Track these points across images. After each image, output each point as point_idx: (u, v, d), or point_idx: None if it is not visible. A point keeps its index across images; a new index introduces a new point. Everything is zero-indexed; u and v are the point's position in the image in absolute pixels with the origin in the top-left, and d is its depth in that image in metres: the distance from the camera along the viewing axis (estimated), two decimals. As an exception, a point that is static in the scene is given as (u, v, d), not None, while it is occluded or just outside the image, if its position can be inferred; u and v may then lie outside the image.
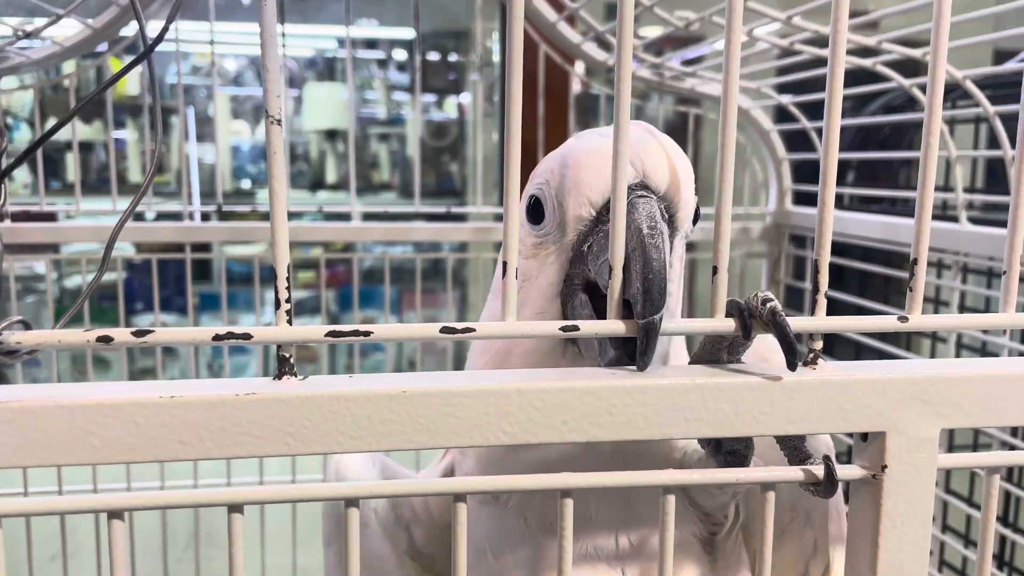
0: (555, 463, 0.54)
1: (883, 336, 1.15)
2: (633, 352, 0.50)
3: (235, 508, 0.39)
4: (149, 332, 0.38)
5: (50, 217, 1.43)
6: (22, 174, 3.61)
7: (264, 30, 0.37)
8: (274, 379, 0.40)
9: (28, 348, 0.37)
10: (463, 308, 3.34)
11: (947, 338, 1.10)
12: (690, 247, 0.71)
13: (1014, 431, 1.12)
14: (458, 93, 4.23)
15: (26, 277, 2.93)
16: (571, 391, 0.40)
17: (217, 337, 0.38)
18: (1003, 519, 1.23)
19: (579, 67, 1.42)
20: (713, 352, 0.46)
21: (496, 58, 2.92)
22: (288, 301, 0.39)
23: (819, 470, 0.43)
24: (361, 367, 3.00)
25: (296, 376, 0.40)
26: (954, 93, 1.21)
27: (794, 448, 0.49)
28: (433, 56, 4.08)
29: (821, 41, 1.01)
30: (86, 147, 3.74)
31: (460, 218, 1.49)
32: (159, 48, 1.19)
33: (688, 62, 1.36)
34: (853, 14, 0.96)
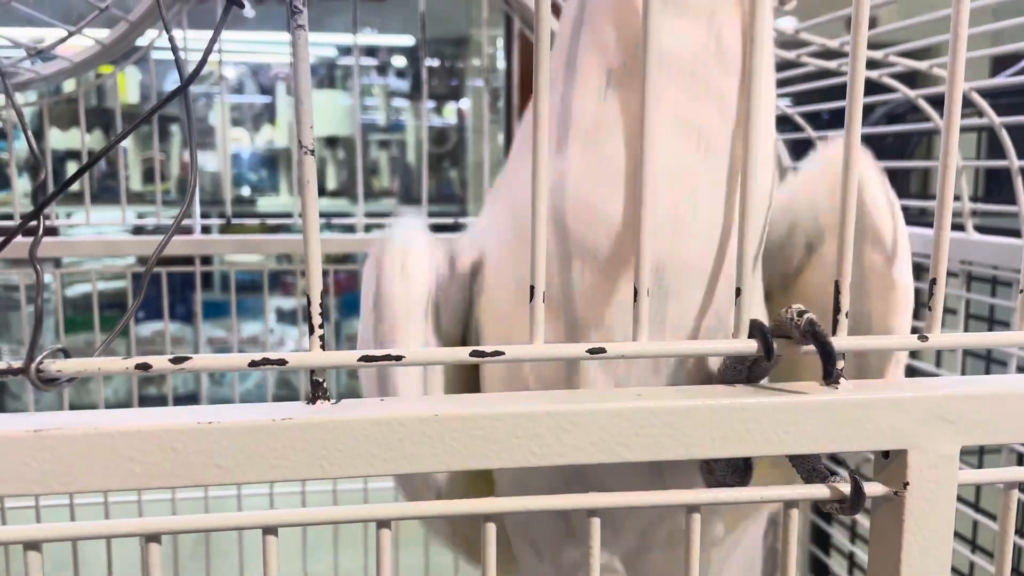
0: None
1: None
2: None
3: (270, 531, 0.40)
4: (187, 359, 0.38)
5: (51, 230, 1.43)
6: (23, 183, 3.61)
7: (297, 61, 0.38)
8: (308, 403, 0.40)
9: (68, 376, 0.38)
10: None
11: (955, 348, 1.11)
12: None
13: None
14: (458, 99, 4.25)
15: (27, 287, 2.93)
16: (599, 413, 0.41)
17: (253, 363, 0.39)
18: (1019, 531, 1.24)
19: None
20: (736, 372, 0.47)
21: (500, 64, 2.93)
22: (321, 327, 0.40)
23: (845, 487, 0.44)
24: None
25: (329, 400, 0.41)
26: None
27: (812, 470, 0.49)
28: (433, 62, 4.09)
29: (825, 53, 1.02)
30: (74, 154, 3.74)
31: (456, 228, 1.49)
32: (158, 56, 1.19)
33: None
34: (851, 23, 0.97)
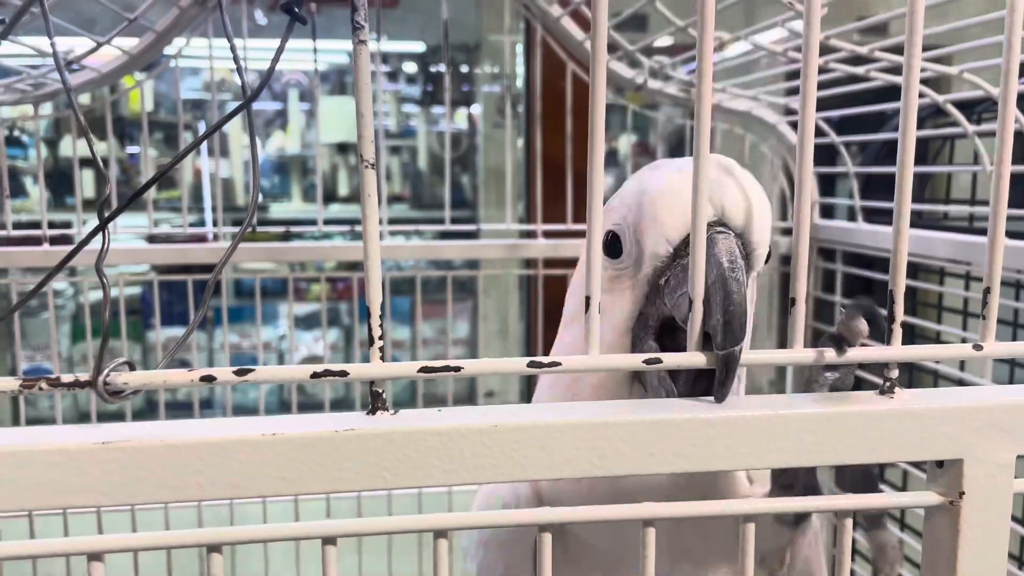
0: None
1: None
2: (702, 390, 0.52)
3: (329, 541, 0.40)
4: (250, 371, 0.39)
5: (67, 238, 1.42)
6: (34, 192, 3.63)
7: (358, 77, 0.39)
8: (367, 414, 0.41)
9: (134, 388, 0.38)
10: (474, 318, 3.35)
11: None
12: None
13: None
14: (469, 105, 4.26)
15: (42, 294, 2.95)
16: (657, 424, 0.41)
17: (315, 375, 0.39)
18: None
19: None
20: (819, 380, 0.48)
21: (519, 70, 2.93)
22: (381, 339, 0.40)
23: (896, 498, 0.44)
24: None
25: (388, 411, 0.41)
26: (980, 107, 1.22)
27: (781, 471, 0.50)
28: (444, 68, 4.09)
29: (850, 59, 1.02)
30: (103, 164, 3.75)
31: (473, 235, 1.50)
32: (173, 64, 1.19)
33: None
34: (875, 28, 0.97)
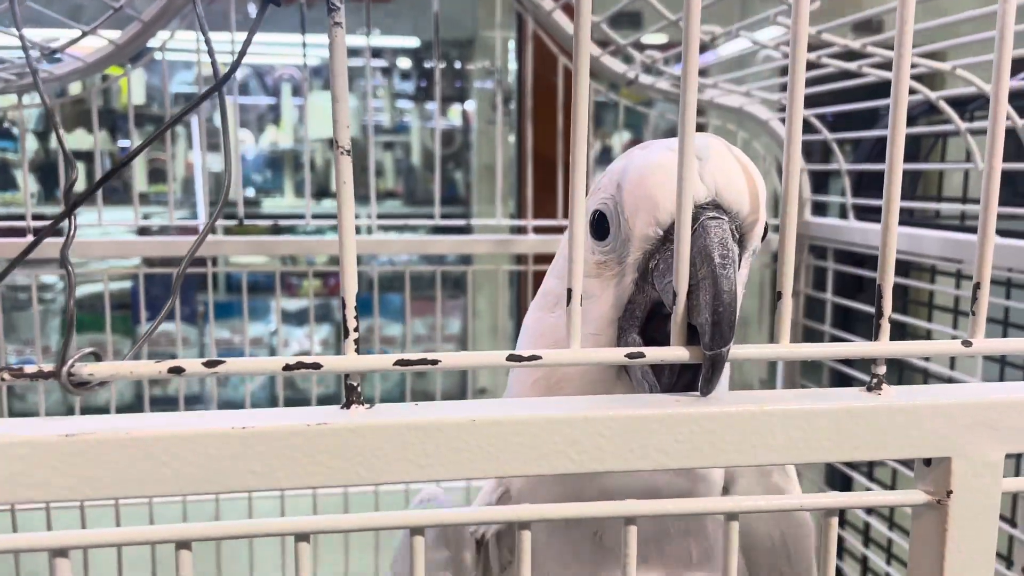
0: (616, 482, 0.54)
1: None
2: (687, 381, 0.51)
3: (302, 537, 0.39)
4: (221, 363, 0.38)
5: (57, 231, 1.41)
6: (30, 183, 3.61)
7: (333, 60, 0.37)
8: (342, 408, 0.40)
9: (100, 380, 0.37)
10: (465, 315, 3.34)
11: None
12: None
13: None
14: (463, 101, 4.24)
15: (29, 287, 2.94)
16: (638, 419, 0.40)
17: (287, 367, 0.38)
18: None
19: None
20: None
21: (512, 65, 2.92)
22: (356, 331, 0.39)
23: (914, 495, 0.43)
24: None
25: (363, 405, 0.40)
26: (972, 104, 1.21)
27: None
28: (439, 64, 4.08)
29: (843, 55, 1.01)
30: (90, 156, 3.74)
31: (467, 230, 1.48)
32: (167, 57, 1.18)
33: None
34: (869, 25, 0.97)
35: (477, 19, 3.48)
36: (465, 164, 4.18)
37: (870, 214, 1.33)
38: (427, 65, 4.38)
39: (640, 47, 1.26)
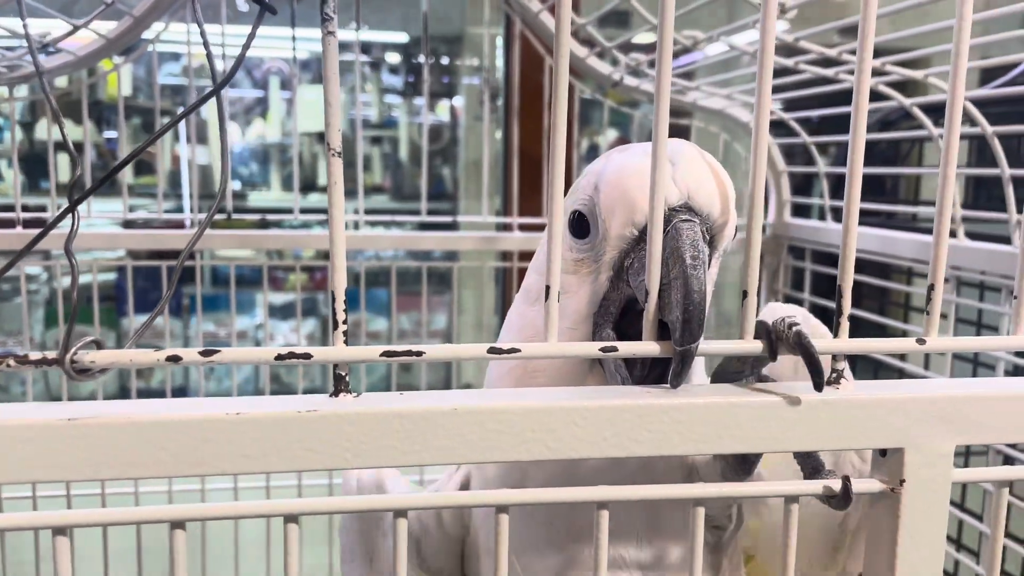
0: (577, 469, 0.57)
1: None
2: (658, 375, 0.53)
3: (291, 519, 0.41)
4: (216, 352, 0.40)
5: (39, 222, 1.41)
6: (9, 176, 3.59)
7: (327, 68, 0.40)
8: (331, 396, 0.42)
9: (100, 367, 0.39)
10: (451, 310, 3.36)
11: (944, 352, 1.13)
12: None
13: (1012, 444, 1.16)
14: (451, 96, 4.26)
15: (14, 278, 2.93)
16: (612, 409, 0.42)
17: (279, 357, 0.40)
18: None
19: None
20: (737, 369, 0.49)
21: (499, 62, 2.94)
22: (345, 323, 0.41)
23: (837, 484, 0.46)
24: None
25: (351, 393, 0.42)
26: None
27: (814, 468, 0.51)
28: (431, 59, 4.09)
29: (820, 61, 1.04)
30: (78, 147, 3.72)
31: (453, 226, 1.51)
32: (151, 48, 1.19)
33: (680, 74, 1.39)
34: (848, 29, 0.99)
35: (465, 16, 3.50)
36: (452, 160, 4.19)
37: (838, 216, 1.36)
38: (416, 60, 4.39)
39: (626, 49, 1.28)
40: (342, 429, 0.40)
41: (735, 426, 0.43)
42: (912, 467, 0.45)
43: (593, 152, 3.59)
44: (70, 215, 0.39)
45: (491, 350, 0.43)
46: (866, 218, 1.43)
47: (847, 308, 0.45)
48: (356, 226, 1.40)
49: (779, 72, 1.10)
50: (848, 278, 0.45)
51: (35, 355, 0.39)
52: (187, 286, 3.32)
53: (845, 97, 1.12)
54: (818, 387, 0.44)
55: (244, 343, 3.54)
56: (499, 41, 2.66)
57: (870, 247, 1.18)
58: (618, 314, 0.55)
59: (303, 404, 0.40)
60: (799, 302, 1.38)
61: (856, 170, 0.44)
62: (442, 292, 3.41)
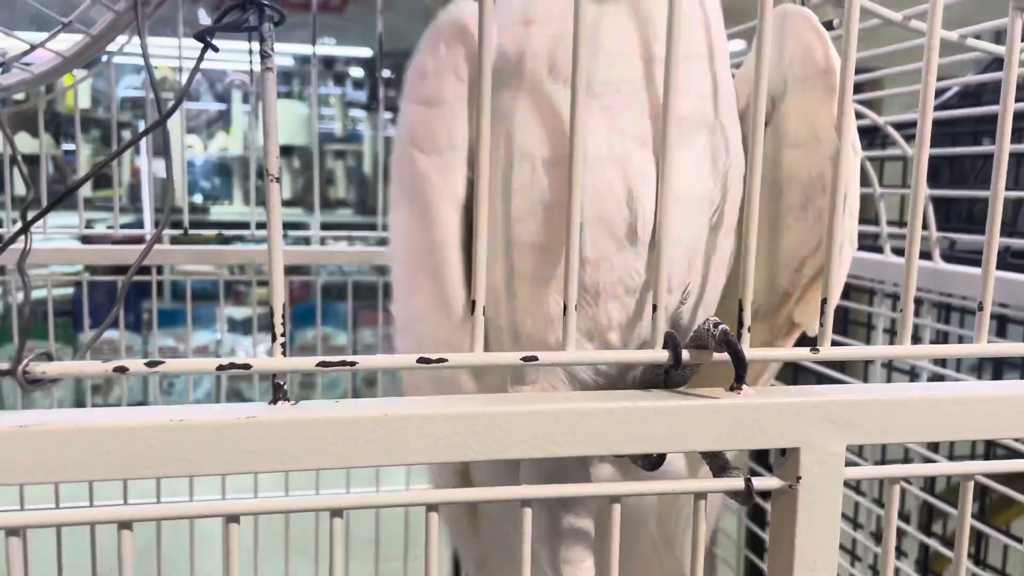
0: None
1: (838, 365, 1.24)
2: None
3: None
4: (161, 363, 0.43)
5: None
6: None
7: (266, 100, 0.43)
8: (270, 404, 0.45)
9: (51, 377, 0.42)
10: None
11: (873, 362, 1.19)
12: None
13: (935, 447, 1.22)
14: (414, 112, 4.28)
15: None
16: (532, 414, 0.46)
17: (221, 367, 0.44)
18: (926, 527, 1.32)
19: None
20: (654, 377, 0.53)
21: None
22: (283, 335, 0.45)
23: (740, 483, 0.50)
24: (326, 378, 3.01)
25: (289, 401, 0.45)
26: (881, 133, 1.31)
27: (722, 467, 0.55)
28: (389, 74, 4.12)
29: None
30: (32, 160, 3.69)
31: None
32: (116, 60, 1.20)
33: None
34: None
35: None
36: (415, 174, 4.21)
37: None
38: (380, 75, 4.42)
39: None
40: (279, 434, 0.43)
41: (641, 428, 0.47)
42: (807, 465, 0.49)
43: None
44: (25, 234, 0.42)
45: (420, 360, 0.46)
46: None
47: (747, 320, 0.49)
48: (323, 241, 1.42)
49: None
50: (748, 292, 0.49)
51: (-11, 367, 0.41)
52: (146, 300, 3.31)
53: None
54: (740, 380, 0.48)
55: (204, 358, 3.51)
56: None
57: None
58: None
59: (243, 411, 0.43)
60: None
61: (755, 182, 0.48)
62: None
